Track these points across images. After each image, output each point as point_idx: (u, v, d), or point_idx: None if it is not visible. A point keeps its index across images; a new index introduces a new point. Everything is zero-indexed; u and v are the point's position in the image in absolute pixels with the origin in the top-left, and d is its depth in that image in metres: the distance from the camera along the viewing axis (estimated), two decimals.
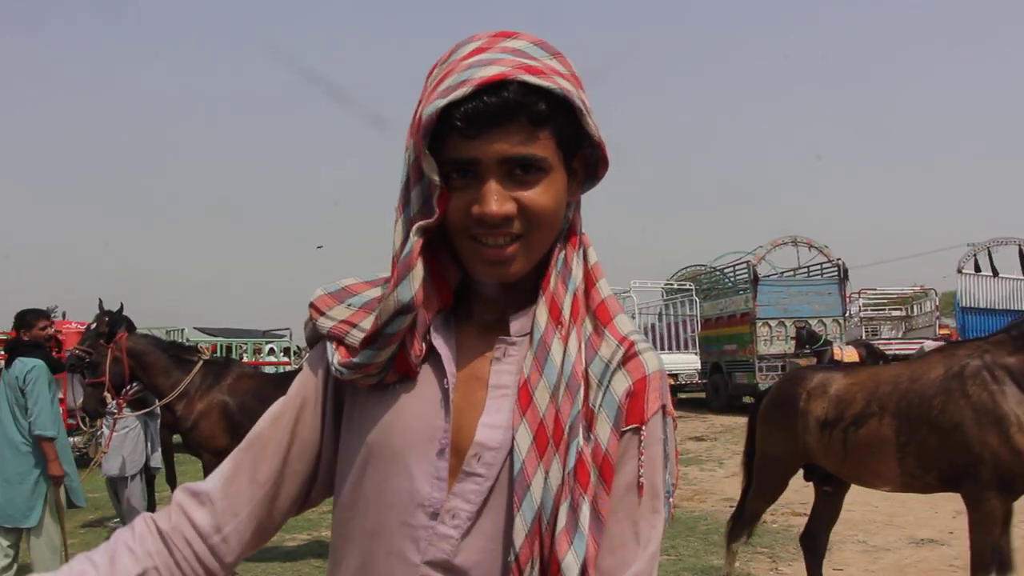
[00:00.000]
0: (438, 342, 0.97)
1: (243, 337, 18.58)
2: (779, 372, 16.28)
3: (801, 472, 4.49)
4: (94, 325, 5.84)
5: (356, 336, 0.96)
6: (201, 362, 5.68)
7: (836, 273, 18.23)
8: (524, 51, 0.90)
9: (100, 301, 6.03)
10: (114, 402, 5.80)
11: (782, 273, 19.90)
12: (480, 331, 0.99)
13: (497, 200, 0.88)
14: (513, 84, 0.85)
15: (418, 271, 0.91)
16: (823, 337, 15.69)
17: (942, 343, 15.23)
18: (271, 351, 18.29)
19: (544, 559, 0.88)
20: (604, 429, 0.91)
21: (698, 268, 22.02)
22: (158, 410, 6.27)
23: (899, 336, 22.27)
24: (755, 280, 17.70)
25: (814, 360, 14.05)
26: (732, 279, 19.56)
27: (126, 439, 6.41)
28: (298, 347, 18.68)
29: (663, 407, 0.96)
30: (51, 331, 5.54)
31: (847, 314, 19.09)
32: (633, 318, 18.84)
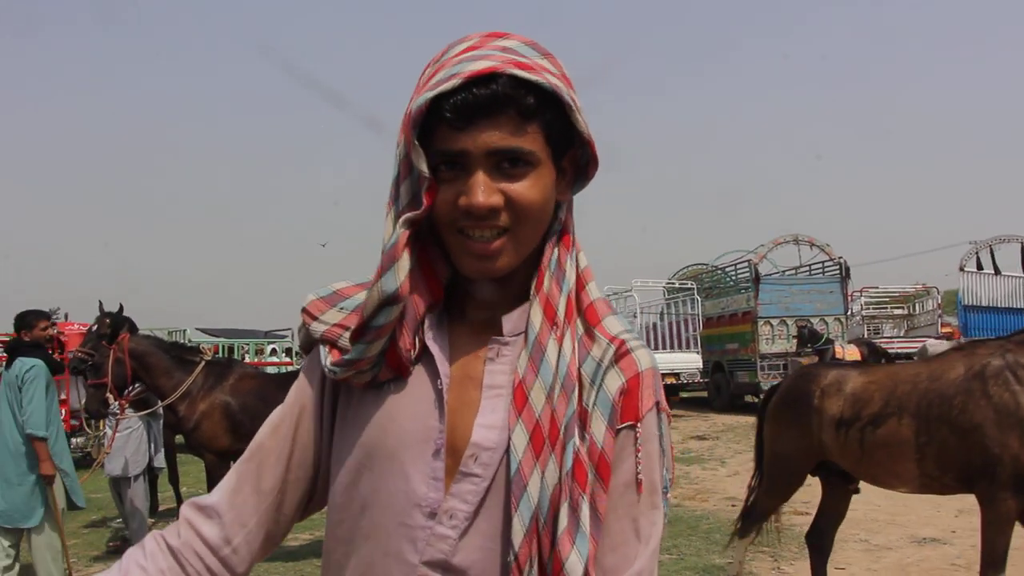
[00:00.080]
0: (431, 341, 0.96)
1: (245, 338, 18.61)
2: (781, 371, 16.29)
3: None
4: (96, 327, 5.86)
5: (348, 339, 0.96)
6: (203, 363, 5.71)
7: (838, 271, 18.21)
8: (515, 50, 0.90)
9: (100, 303, 6.06)
10: (116, 403, 5.82)
11: (784, 272, 19.89)
12: (473, 331, 0.99)
13: (484, 191, 0.88)
14: (503, 77, 0.86)
15: (404, 262, 0.91)
16: (825, 336, 15.64)
17: (944, 341, 15.27)
18: (273, 351, 18.29)
19: (544, 559, 0.88)
20: (599, 428, 0.91)
21: (700, 267, 21.96)
22: (160, 411, 6.29)
23: (901, 334, 22.23)
24: (757, 279, 17.69)
25: (816, 359, 14.03)
26: (734, 278, 19.53)
27: (129, 440, 6.41)
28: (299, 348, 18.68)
29: (657, 403, 0.96)
30: (52, 332, 5.54)
31: (849, 312, 19.07)
32: (635, 317, 18.77)
